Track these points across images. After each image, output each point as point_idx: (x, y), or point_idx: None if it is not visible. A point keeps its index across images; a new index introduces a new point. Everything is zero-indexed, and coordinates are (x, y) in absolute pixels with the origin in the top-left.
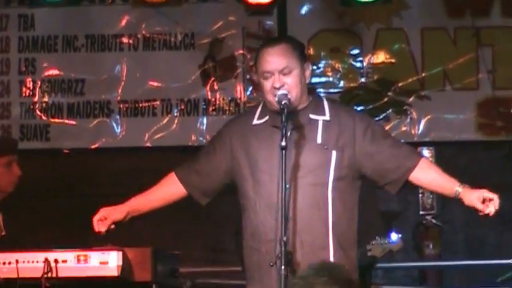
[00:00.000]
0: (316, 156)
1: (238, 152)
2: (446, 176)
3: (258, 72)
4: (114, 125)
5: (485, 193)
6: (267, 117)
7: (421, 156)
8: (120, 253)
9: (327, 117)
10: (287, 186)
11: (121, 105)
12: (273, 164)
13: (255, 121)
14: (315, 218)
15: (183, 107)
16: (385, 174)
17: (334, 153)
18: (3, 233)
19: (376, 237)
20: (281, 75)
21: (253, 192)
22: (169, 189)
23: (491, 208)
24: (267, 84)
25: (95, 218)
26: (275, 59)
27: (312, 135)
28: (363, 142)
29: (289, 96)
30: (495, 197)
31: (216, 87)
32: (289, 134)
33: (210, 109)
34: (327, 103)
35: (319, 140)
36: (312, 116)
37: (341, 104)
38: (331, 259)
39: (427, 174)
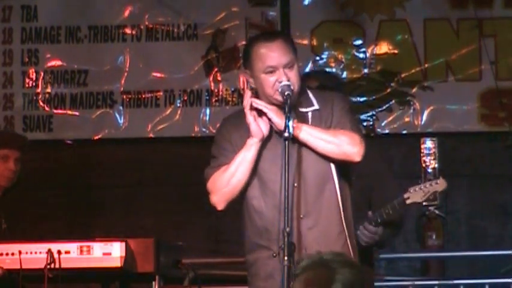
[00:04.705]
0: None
1: None
2: (317, 128)
3: (255, 68)
4: (117, 115)
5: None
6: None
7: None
8: (123, 244)
9: (316, 106)
10: (295, 185)
11: (124, 96)
12: (278, 163)
13: None
14: (329, 211)
15: (186, 98)
16: None
17: None
18: (4, 226)
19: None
20: (286, 70)
21: (260, 192)
22: None
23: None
24: (271, 79)
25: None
26: (280, 54)
27: None
28: (333, 116)
29: (292, 87)
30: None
31: (219, 78)
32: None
33: (213, 100)
34: (311, 93)
35: None
36: (301, 110)
37: (321, 90)
38: (350, 248)
39: None
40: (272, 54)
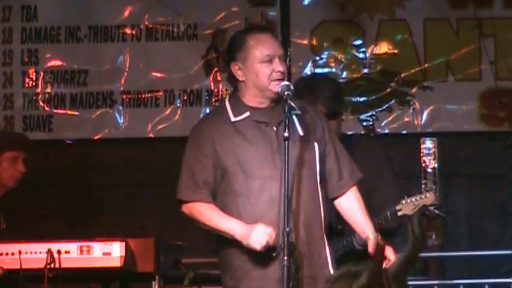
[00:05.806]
0: (304, 149)
1: (224, 152)
2: (365, 216)
3: (249, 57)
4: (117, 115)
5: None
6: (247, 113)
7: (356, 180)
8: (123, 244)
9: (298, 111)
10: (293, 182)
11: (124, 96)
12: (268, 159)
13: (234, 118)
14: (315, 210)
15: (185, 98)
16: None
17: (316, 144)
18: (4, 226)
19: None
20: (280, 61)
21: (252, 190)
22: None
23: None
24: (267, 70)
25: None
26: (275, 44)
27: (293, 129)
28: (327, 138)
29: (291, 87)
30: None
31: (219, 78)
32: (275, 129)
33: (213, 100)
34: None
35: (301, 133)
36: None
37: (297, 99)
38: (327, 249)
39: (351, 204)
40: (269, 43)
